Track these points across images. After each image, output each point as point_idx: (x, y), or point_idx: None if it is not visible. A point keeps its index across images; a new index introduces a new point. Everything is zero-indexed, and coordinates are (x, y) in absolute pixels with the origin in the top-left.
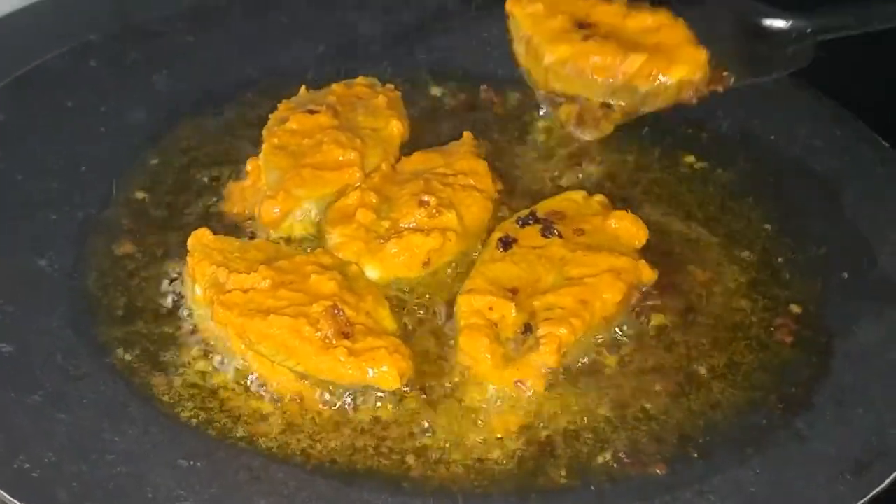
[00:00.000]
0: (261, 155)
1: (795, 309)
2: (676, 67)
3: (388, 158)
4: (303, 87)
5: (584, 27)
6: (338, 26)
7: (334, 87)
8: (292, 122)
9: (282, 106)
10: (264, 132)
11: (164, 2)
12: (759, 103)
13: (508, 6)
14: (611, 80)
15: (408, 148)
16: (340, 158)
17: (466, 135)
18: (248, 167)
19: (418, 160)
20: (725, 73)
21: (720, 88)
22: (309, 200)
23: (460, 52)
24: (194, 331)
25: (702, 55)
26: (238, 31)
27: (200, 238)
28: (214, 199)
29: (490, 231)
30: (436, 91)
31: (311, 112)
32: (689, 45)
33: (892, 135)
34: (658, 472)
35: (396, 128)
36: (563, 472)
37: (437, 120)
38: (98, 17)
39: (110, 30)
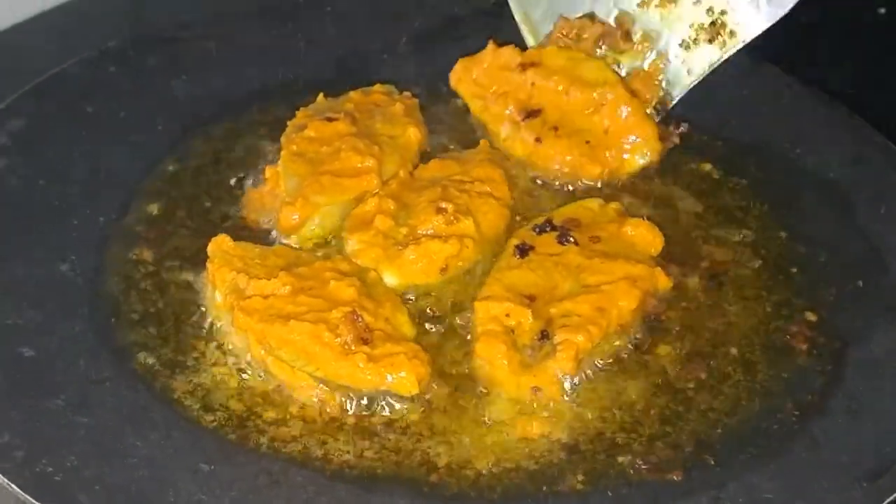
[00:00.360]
0: (279, 162)
1: (810, 316)
2: (632, 159)
3: (405, 166)
4: (320, 95)
5: (532, 115)
6: (354, 34)
7: (352, 94)
8: (310, 130)
9: (300, 113)
10: (283, 139)
11: (182, 8)
12: (773, 110)
13: (453, 83)
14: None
15: (425, 155)
16: (358, 165)
17: (483, 143)
18: (267, 174)
19: (435, 167)
20: (672, 129)
21: (673, 143)
22: (327, 207)
23: None
24: (214, 336)
25: (651, 129)
26: (256, 38)
27: (220, 244)
28: (233, 205)
29: (507, 238)
30: (453, 98)
31: (330, 119)
32: (639, 125)
33: None
34: (675, 478)
35: (414, 135)
36: (581, 478)
37: (455, 127)
38: (117, 23)
39: (129, 37)
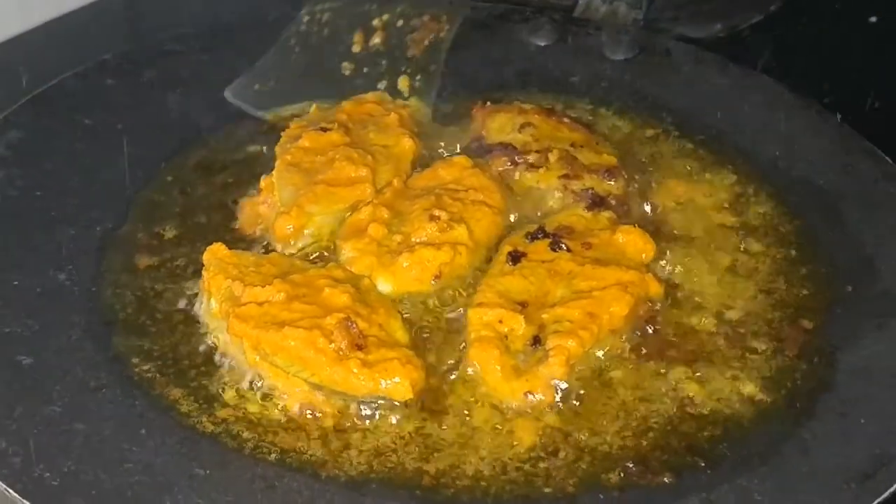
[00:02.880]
0: (274, 172)
1: (800, 322)
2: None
3: (399, 175)
4: (314, 106)
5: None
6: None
7: (345, 104)
8: (304, 140)
9: (293, 124)
10: (277, 150)
11: (178, 21)
12: (763, 119)
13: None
14: None
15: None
16: (352, 175)
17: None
18: (262, 184)
19: (429, 176)
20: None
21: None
22: (321, 216)
23: (469, 67)
24: (210, 343)
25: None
26: (252, 49)
27: (216, 252)
28: (229, 215)
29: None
30: (444, 107)
31: (323, 130)
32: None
33: (893, 149)
34: (665, 480)
35: (408, 145)
36: (572, 482)
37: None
38: (114, 36)
39: (126, 49)
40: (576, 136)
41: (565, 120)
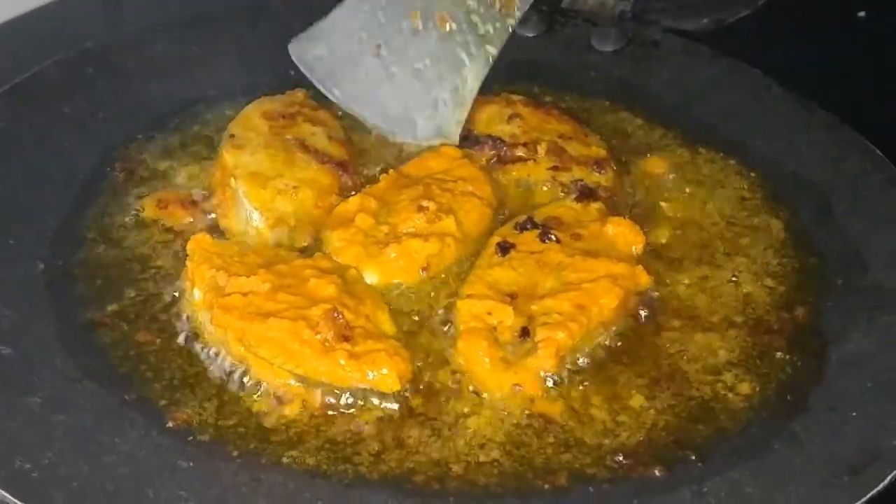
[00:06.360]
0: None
1: (791, 314)
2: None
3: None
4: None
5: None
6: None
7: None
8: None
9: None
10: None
11: (159, 11)
12: (752, 113)
13: None
14: None
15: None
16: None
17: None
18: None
19: (418, 166)
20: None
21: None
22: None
23: None
24: (193, 335)
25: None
26: (233, 39)
27: (200, 242)
28: (211, 205)
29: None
30: None
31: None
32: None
33: (882, 142)
34: (657, 473)
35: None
36: (564, 474)
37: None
38: (94, 25)
39: (106, 38)
40: (564, 128)
41: (553, 111)
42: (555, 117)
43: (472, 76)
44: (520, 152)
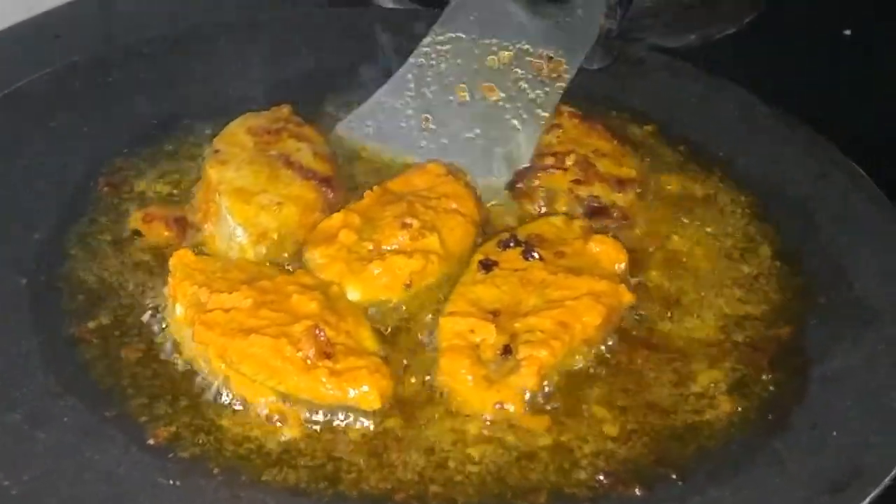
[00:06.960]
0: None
1: (774, 332)
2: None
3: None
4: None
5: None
6: (320, 50)
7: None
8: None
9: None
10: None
11: (148, 25)
12: (737, 130)
13: None
14: None
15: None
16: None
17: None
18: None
19: (402, 183)
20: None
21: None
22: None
23: None
24: (175, 351)
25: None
26: (221, 54)
27: (182, 258)
28: (195, 219)
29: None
30: None
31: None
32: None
33: (866, 160)
34: (637, 492)
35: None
36: (543, 493)
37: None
38: (82, 39)
39: (94, 52)
40: (602, 144)
41: (598, 126)
42: (597, 132)
43: (525, 140)
44: (548, 161)
